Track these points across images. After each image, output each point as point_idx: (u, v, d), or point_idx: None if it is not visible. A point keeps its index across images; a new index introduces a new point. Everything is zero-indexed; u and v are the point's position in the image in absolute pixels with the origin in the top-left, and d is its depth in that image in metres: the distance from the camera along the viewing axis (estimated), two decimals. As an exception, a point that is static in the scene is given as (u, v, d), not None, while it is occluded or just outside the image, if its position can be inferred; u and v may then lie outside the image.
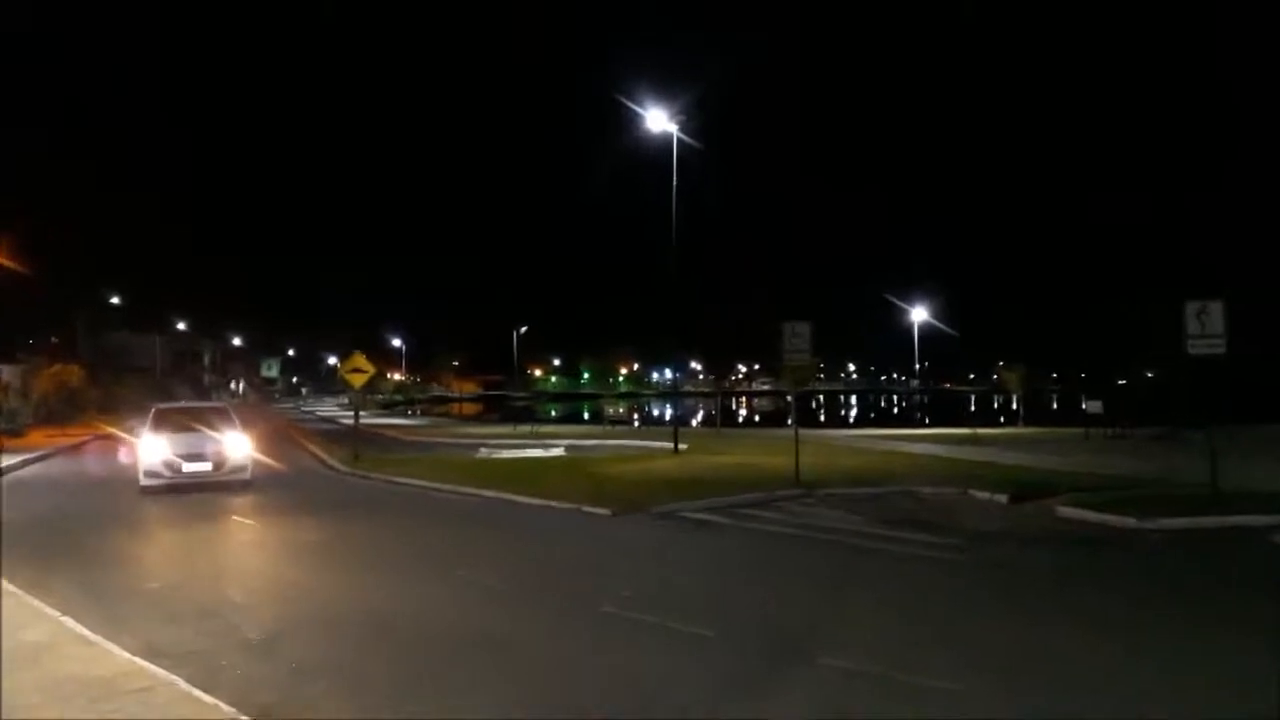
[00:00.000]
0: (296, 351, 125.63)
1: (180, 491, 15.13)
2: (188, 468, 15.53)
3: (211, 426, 16.52)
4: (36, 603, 7.23)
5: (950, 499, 13.87)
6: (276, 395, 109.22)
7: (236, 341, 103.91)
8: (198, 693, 5.13)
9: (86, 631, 6.38)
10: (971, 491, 14.07)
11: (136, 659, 5.75)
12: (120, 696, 5.02)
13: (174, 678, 5.38)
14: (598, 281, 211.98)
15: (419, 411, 79.60)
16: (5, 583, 7.75)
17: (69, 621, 6.63)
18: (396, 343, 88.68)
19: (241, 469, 16.11)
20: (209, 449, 15.97)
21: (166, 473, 15.43)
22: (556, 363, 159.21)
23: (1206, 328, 12.38)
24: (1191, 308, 12.48)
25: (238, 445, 16.30)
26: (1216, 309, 12.36)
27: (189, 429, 16.32)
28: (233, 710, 4.87)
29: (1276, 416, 30.97)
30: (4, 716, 4.68)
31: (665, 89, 37.46)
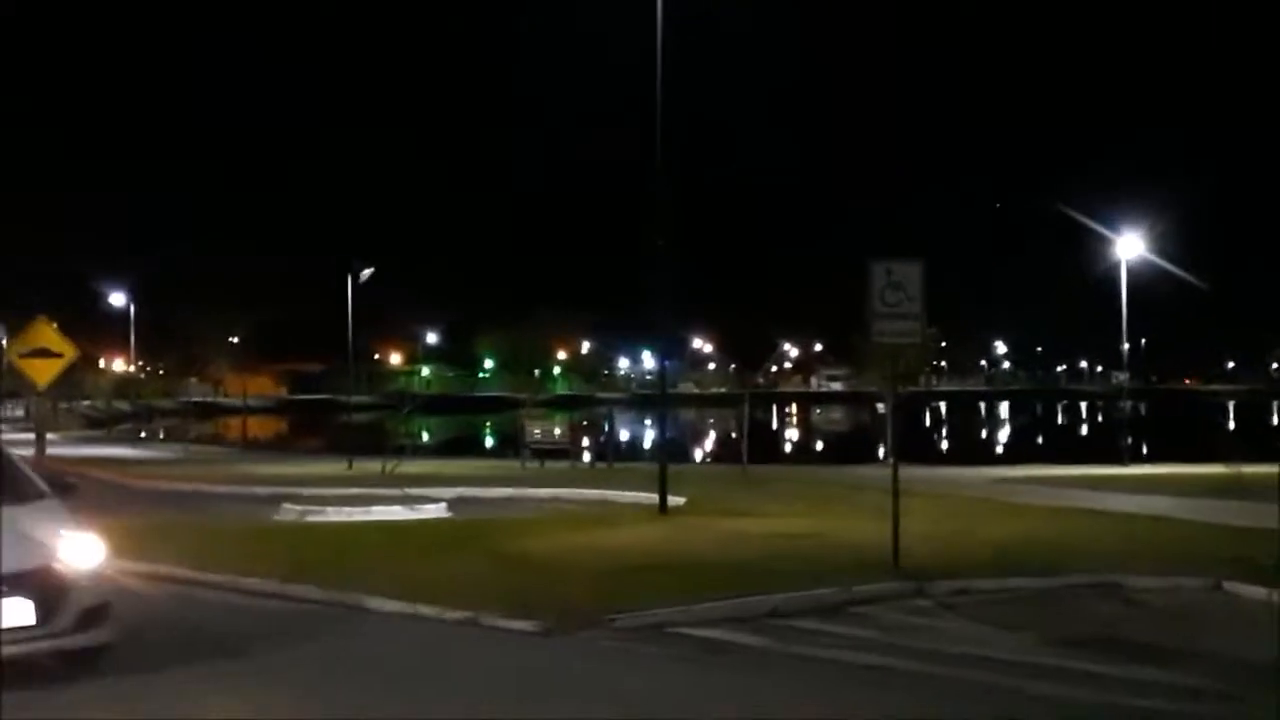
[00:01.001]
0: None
1: None
2: None
3: None
4: None
5: (1192, 599, 13.95)
6: None
7: None
8: None
9: None
10: (1233, 586, 14.12)
11: None
12: None
13: None
14: (518, 196, 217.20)
15: (163, 433, 79.26)
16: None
17: None
18: (117, 302, 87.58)
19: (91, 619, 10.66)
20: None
21: None
22: (431, 339, 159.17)
23: None
24: None
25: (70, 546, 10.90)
26: None
27: None
28: None
29: None
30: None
31: None
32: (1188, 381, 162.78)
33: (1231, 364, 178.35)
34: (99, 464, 39.14)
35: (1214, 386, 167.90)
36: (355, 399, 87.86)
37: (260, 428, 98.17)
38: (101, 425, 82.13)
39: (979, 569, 15.28)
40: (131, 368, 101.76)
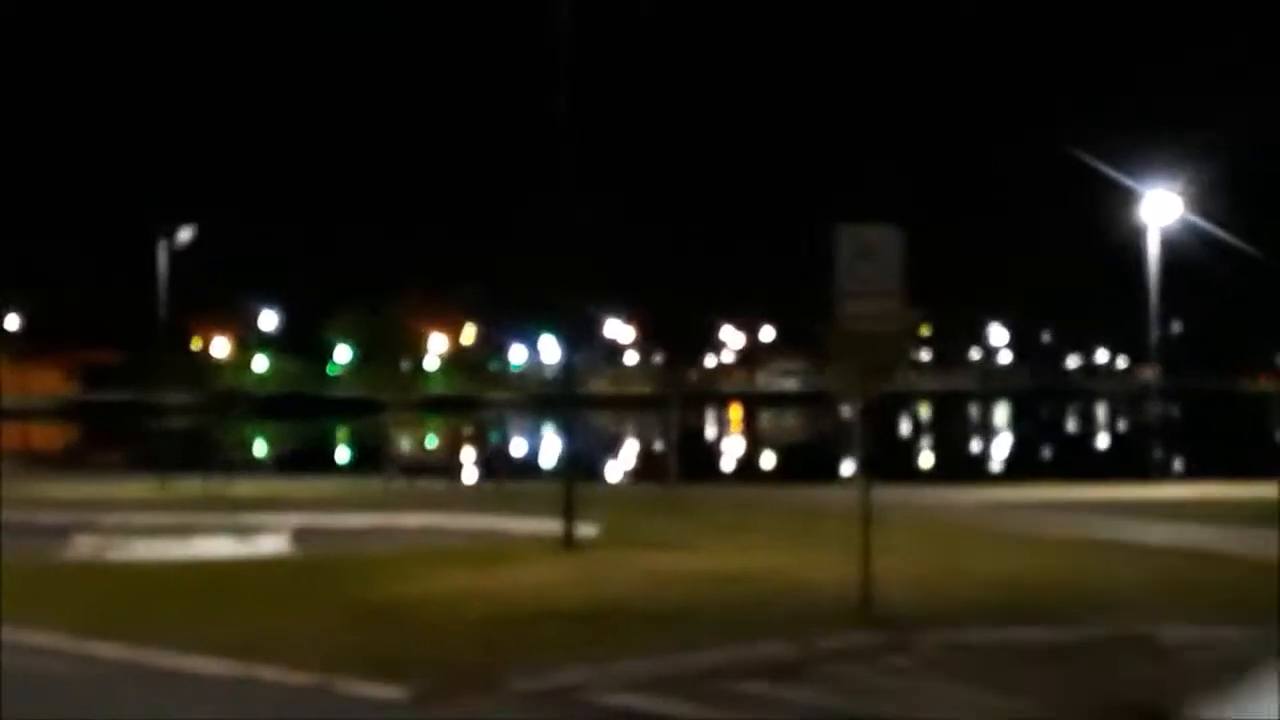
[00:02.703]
0: None
1: None
2: None
3: None
4: None
5: (1233, 652, 14.16)
6: None
7: None
8: None
9: None
10: (1288, 637, 14.36)
11: None
12: None
13: None
14: (373, 138, 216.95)
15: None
16: None
17: None
18: None
19: None
20: None
21: None
22: (270, 324, 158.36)
23: None
24: None
25: None
26: None
27: None
28: None
29: None
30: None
31: None
32: (1249, 378, 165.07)
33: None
34: None
35: (1266, 385, 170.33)
36: (169, 399, 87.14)
37: (45, 437, 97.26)
38: None
39: (971, 616, 15.43)
40: None
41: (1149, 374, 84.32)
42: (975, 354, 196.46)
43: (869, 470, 19.19)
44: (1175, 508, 29.95)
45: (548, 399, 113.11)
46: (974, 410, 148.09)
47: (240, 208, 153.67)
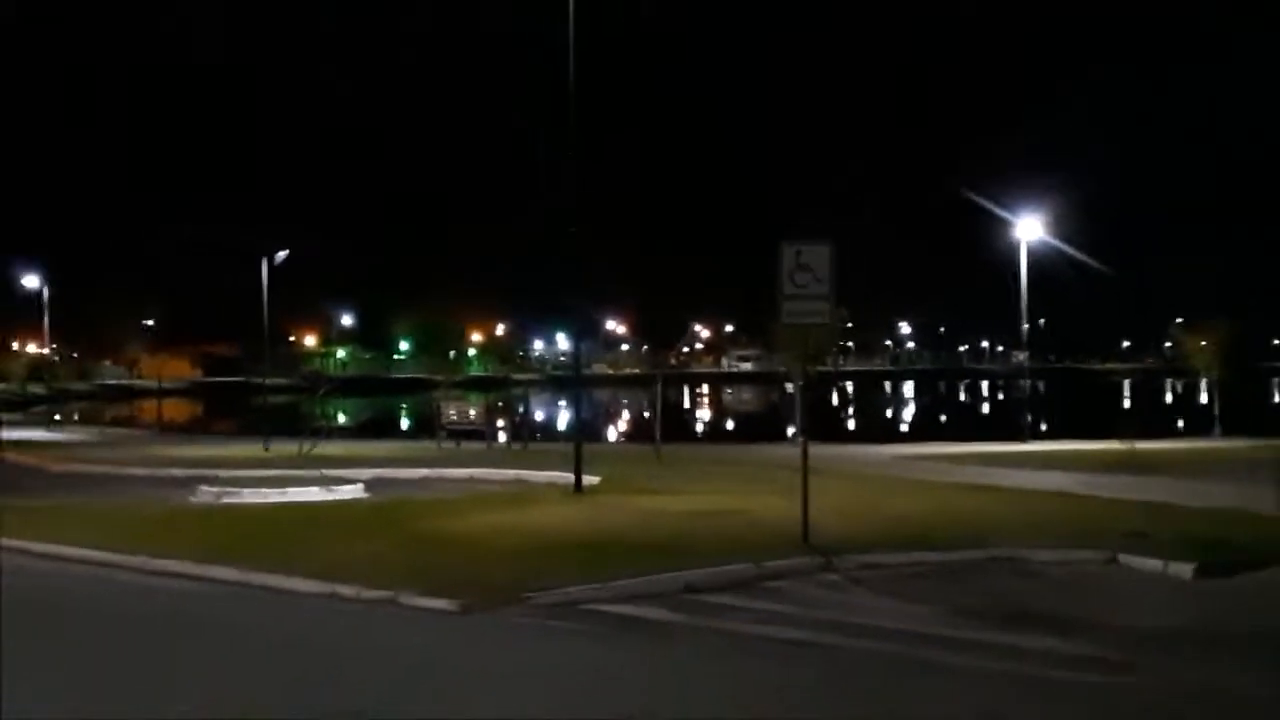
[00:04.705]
0: None
1: None
2: None
3: None
4: None
5: (1090, 572, 14.17)
6: None
7: None
8: None
9: None
10: (1128, 558, 14.39)
11: None
12: None
13: None
14: (425, 177, 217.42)
15: (77, 415, 78.12)
16: None
17: None
18: (32, 284, 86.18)
19: None
20: None
21: None
22: (347, 321, 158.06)
23: None
24: None
25: None
26: None
27: None
28: None
29: None
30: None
31: None
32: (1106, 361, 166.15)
33: (1127, 344, 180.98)
34: (15, 447, 38.57)
35: (1111, 365, 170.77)
36: (271, 381, 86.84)
37: (175, 410, 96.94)
38: (16, 408, 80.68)
39: (885, 544, 15.42)
40: (46, 350, 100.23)
41: (1020, 357, 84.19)
42: (888, 342, 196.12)
43: (807, 432, 19.14)
44: (1040, 459, 29.98)
45: (561, 379, 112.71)
46: (887, 386, 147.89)
47: (322, 233, 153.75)
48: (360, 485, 25.58)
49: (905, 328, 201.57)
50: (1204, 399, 56.58)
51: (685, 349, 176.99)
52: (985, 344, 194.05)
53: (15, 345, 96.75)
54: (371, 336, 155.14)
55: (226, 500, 23.48)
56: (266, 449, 36.51)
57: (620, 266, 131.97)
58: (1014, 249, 46.58)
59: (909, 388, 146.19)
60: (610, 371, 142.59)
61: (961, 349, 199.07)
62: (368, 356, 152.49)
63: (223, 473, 28.78)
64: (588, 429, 41.69)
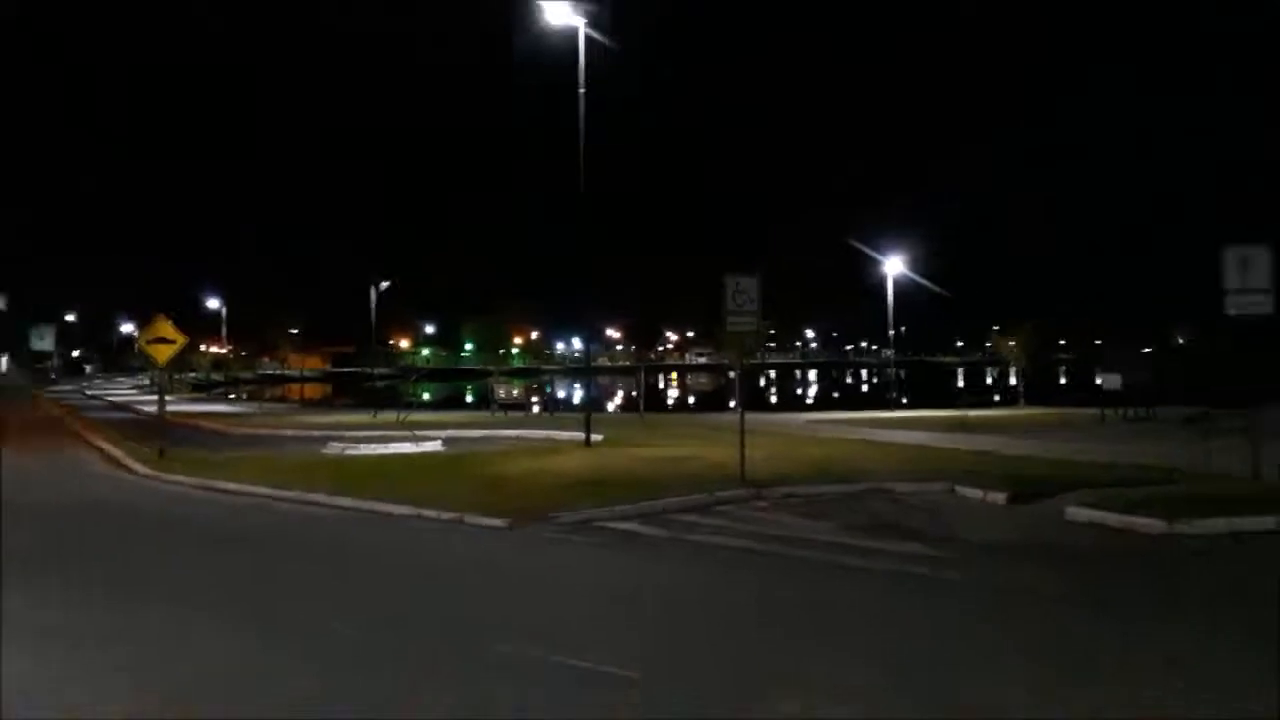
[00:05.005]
0: (79, 317, 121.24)
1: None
2: None
3: None
4: None
5: (936, 499, 14.17)
6: (53, 374, 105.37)
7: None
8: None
9: None
10: (961, 489, 14.40)
11: None
12: None
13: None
14: (484, 228, 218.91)
15: (245, 395, 77.71)
16: None
17: None
18: (214, 305, 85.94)
19: None
20: None
21: None
22: (429, 330, 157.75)
23: (1249, 280, 12.73)
24: (1232, 256, 12.82)
25: None
26: (1262, 258, 12.72)
27: None
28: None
29: None
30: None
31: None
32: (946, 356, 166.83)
33: (960, 343, 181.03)
34: (204, 417, 38.56)
35: (950, 358, 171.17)
36: (377, 370, 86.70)
37: (312, 391, 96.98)
38: (203, 390, 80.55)
39: (798, 479, 15.38)
40: (223, 350, 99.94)
41: (888, 353, 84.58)
42: (798, 343, 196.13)
43: (744, 404, 19.15)
44: (901, 422, 30.00)
45: (575, 369, 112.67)
46: (797, 373, 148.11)
47: (413, 265, 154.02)
48: (439, 441, 25.54)
49: (810, 332, 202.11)
50: (1012, 381, 56.68)
51: (660, 348, 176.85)
52: (864, 344, 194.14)
53: (202, 347, 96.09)
54: (446, 340, 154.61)
55: (348, 452, 23.44)
56: (374, 417, 36.46)
57: (614, 292, 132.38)
58: (884, 278, 47.07)
59: (812, 374, 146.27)
60: (609, 364, 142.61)
61: (848, 347, 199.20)
62: (443, 354, 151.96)
63: (345, 433, 28.78)
64: (594, 403, 41.73)
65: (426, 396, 72.42)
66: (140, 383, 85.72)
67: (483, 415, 39.51)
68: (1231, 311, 12.94)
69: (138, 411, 42.55)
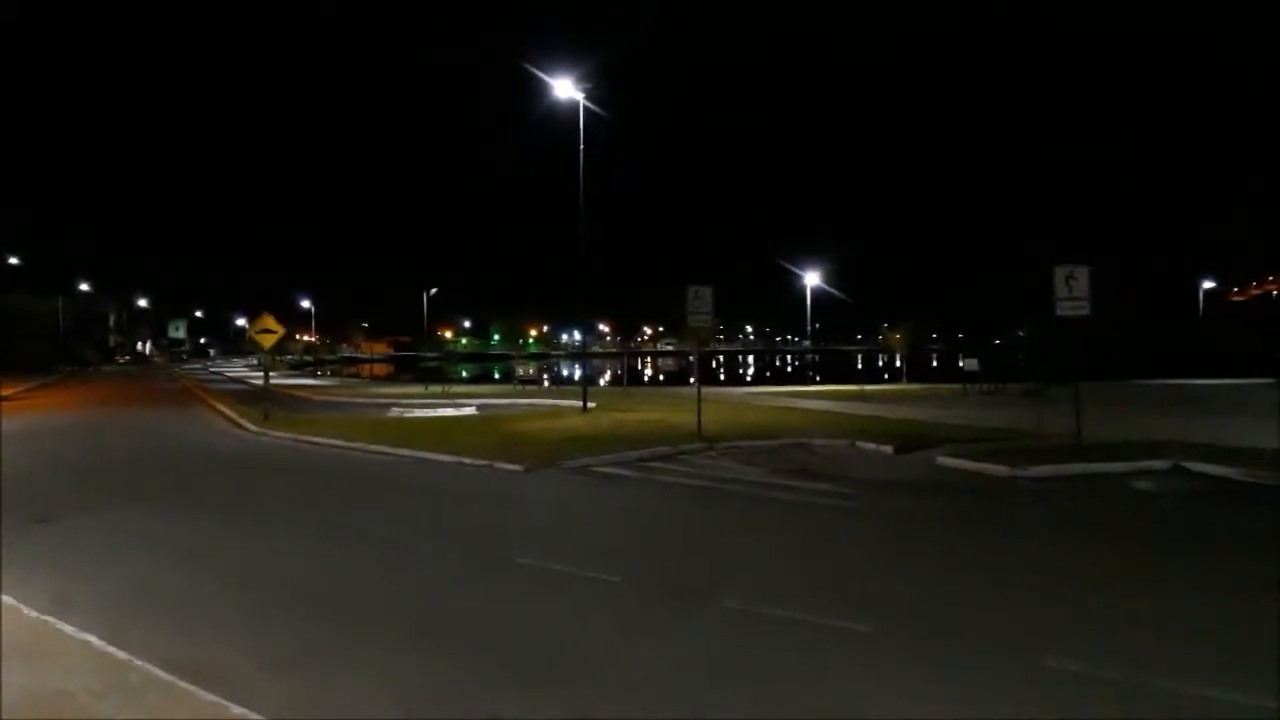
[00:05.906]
0: (205, 313, 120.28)
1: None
2: None
3: None
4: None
5: (841, 450, 14.22)
6: (184, 357, 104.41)
7: (142, 303, 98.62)
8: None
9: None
10: (860, 443, 14.45)
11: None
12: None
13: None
14: (507, 247, 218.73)
15: (329, 372, 77.11)
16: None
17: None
18: (306, 304, 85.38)
19: None
20: None
21: None
22: (467, 324, 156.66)
23: (1074, 290, 12.93)
24: (1061, 272, 13.01)
25: None
26: (1083, 274, 12.93)
27: None
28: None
29: (1137, 374, 32.93)
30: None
31: (572, 55, 36.93)
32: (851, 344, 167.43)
33: (860, 336, 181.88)
34: (299, 388, 38.16)
35: (851, 347, 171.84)
36: (428, 354, 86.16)
37: (378, 370, 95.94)
38: (298, 369, 79.75)
39: (739, 436, 15.37)
40: (313, 338, 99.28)
41: (806, 343, 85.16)
42: (740, 335, 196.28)
43: (700, 381, 19.13)
44: (815, 395, 30.05)
45: (577, 354, 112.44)
46: (740, 358, 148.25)
47: (451, 280, 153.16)
48: (474, 407, 25.41)
49: (749, 327, 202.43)
50: (897, 364, 56.93)
51: (639, 339, 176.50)
52: (790, 336, 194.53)
53: (297, 335, 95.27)
54: (479, 332, 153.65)
55: (405, 415, 23.30)
56: (425, 389, 36.25)
57: (605, 296, 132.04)
58: (805, 289, 47.18)
59: (750, 359, 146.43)
60: (600, 350, 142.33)
61: (777, 339, 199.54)
62: (477, 343, 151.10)
63: (403, 401, 28.57)
64: (589, 379, 41.63)
65: (464, 374, 72.16)
66: (250, 363, 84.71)
67: (507, 388, 39.38)
68: (1060, 313, 13.07)
69: (248, 384, 42.10)
